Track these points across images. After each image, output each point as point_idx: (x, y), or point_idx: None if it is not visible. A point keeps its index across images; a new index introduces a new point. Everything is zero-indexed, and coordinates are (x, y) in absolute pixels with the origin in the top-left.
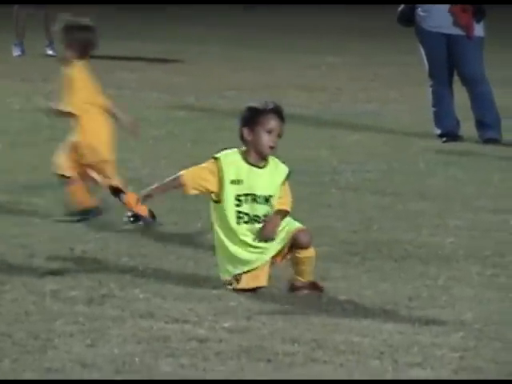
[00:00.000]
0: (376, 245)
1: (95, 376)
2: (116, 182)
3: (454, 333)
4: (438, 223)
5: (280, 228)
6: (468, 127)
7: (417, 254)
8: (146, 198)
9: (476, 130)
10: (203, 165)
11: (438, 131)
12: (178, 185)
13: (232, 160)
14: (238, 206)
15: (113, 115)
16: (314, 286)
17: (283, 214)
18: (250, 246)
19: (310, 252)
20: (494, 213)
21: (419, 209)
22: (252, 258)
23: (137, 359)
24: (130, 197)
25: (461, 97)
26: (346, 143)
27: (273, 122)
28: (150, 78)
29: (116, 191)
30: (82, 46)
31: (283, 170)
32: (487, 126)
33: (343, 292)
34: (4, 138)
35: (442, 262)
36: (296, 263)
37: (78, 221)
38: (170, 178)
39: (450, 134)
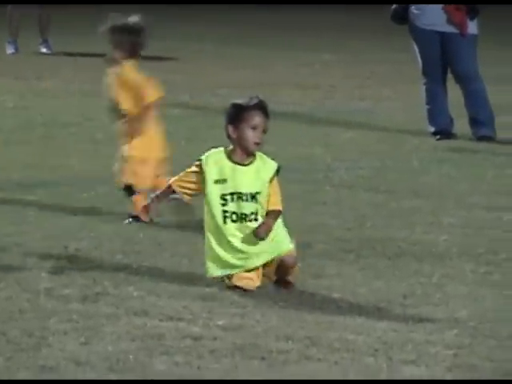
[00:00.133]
0: (370, 242)
1: (89, 374)
2: (163, 182)
3: (448, 330)
4: (432, 221)
5: (269, 238)
6: (462, 125)
7: (411, 251)
8: (144, 210)
9: (470, 128)
10: (188, 169)
11: (432, 129)
12: (170, 192)
13: (215, 159)
14: (223, 205)
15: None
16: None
17: (276, 214)
18: (236, 250)
19: (296, 271)
20: (487, 210)
21: (413, 206)
22: (237, 263)
23: (131, 357)
24: (139, 201)
25: (454, 94)
26: (340, 141)
27: (257, 118)
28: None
29: (129, 190)
30: (131, 46)
31: (272, 165)
32: (481, 123)
33: (337, 289)
34: None
35: (436, 259)
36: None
37: (130, 223)
38: (163, 188)
39: (444, 132)
